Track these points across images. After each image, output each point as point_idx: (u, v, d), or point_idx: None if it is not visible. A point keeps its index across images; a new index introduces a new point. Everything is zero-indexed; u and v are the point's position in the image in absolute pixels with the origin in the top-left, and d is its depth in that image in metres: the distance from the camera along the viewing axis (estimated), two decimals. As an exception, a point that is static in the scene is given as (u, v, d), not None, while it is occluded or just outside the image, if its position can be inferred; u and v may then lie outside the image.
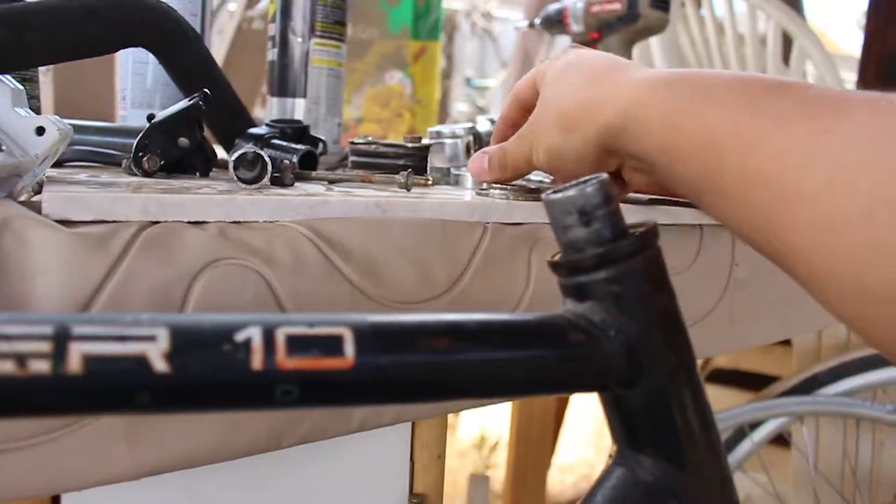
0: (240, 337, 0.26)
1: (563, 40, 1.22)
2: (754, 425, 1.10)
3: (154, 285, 0.37)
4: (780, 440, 1.17)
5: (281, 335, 0.26)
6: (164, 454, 0.39)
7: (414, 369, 0.28)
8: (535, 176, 0.69)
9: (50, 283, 0.36)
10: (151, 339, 0.25)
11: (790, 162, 0.38)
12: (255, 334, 0.26)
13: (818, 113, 0.38)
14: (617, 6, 0.98)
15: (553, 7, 1.10)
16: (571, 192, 0.33)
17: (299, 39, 0.72)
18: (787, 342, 1.23)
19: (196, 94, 0.50)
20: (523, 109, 0.58)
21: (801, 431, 1.13)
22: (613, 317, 0.33)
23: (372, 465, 0.50)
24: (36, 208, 0.39)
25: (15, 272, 0.35)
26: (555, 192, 0.33)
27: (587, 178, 0.33)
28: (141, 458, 0.38)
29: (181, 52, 0.54)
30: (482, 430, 2.42)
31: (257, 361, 0.26)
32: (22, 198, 0.45)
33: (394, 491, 0.51)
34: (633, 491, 0.35)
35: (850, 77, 2.50)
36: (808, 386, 1.09)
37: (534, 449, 1.29)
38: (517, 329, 0.31)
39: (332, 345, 0.27)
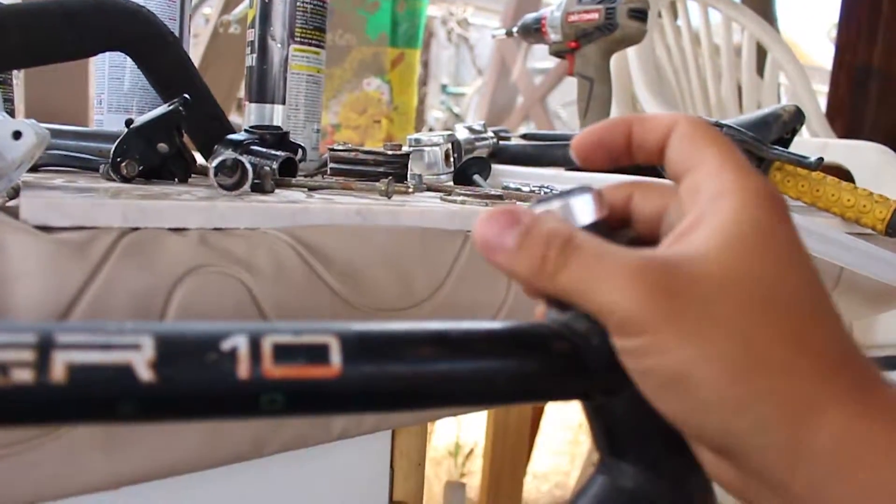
0: (226, 346, 0.26)
1: (541, 49, 1.22)
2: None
3: (134, 292, 0.37)
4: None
5: (267, 344, 0.26)
6: (143, 463, 0.38)
7: (399, 378, 0.28)
8: (512, 183, 0.70)
9: (29, 290, 0.35)
10: (136, 347, 0.25)
11: None
12: (241, 343, 0.26)
13: None
14: (595, 16, 0.98)
15: (531, 16, 1.10)
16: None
17: (278, 45, 0.71)
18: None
19: (176, 100, 0.50)
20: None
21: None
22: (596, 327, 0.33)
23: (352, 472, 0.50)
24: (12, 213, 0.38)
25: (-8, 279, 0.35)
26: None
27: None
28: (120, 467, 0.38)
29: (160, 56, 0.53)
30: (457, 437, 2.42)
31: (243, 370, 0.25)
32: (-4, 202, 0.44)
33: (374, 498, 0.51)
34: (614, 498, 0.35)
35: (821, 89, 2.53)
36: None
37: (510, 457, 1.29)
38: (501, 338, 0.31)
39: (318, 353, 0.27)
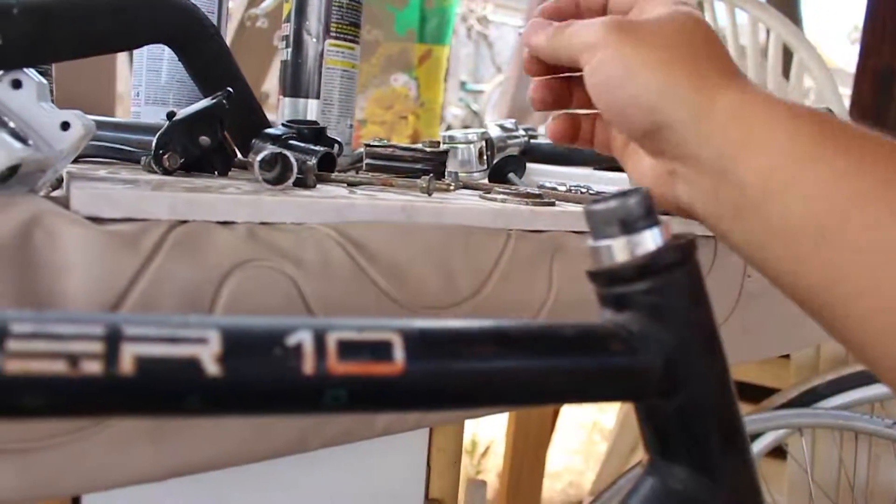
0: (291, 341, 0.25)
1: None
2: (752, 437, 1.11)
3: (184, 286, 0.37)
4: (775, 452, 1.17)
5: (332, 340, 0.26)
6: (189, 456, 0.38)
7: (461, 376, 0.28)
8: (548, 182, 0.69)
9: (80, 281, 0.35)
10: (203, 341, 0.24)
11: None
12: (305, 338, 0.26)
13: None
14: (627, 15, 0.97)
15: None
16: (613, 203, 0.33)
17: (314, 40, 0.71)
18: (785, 354, 1.24)
19: (219, 93, 0.50)
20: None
21: (798, 444, 1.13)
22: (652, 328, 0.33)
23: (389, 469, 0.50)
24: (60, 204, 0.38)
25: (45, 269, 0.35)
26: (596, 202, 0.33)
27: (629, 189, 0.33)
28: (166, 459, 0.38)
29: (202, 49, 0.53)
30: (473, 435, 2.42)
31: (308, 366, 0.25)
32: (41, 193, 0.44)
33: (410, 495, 0.51)
34: (664, 501, 0.35)
35: (843, 91, 2.51)
36: (807, 399, 1.09)
37: (530, 456, 1.29)
38: (559, 337, 0.31)
39: (381, 350, 0.26)
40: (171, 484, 0.39)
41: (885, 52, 2.35)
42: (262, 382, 0.25)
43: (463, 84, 4.57)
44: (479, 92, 4.52)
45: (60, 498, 0.38)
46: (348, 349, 0.26)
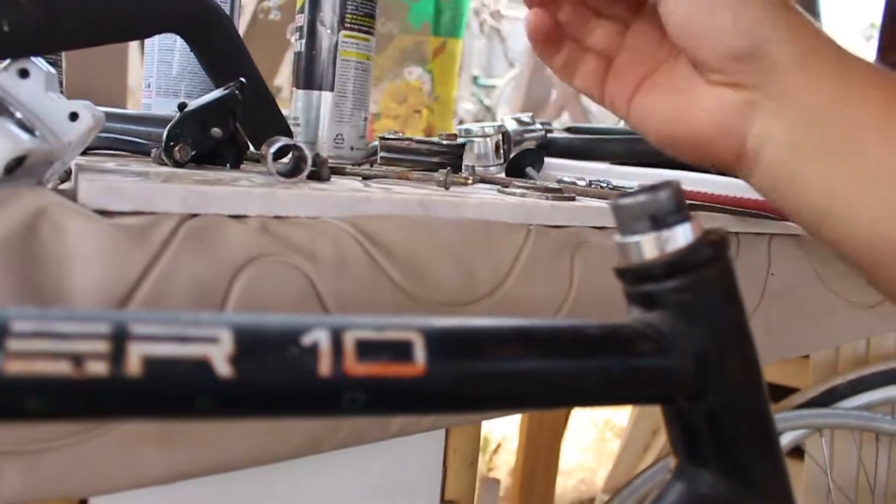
0: (307, 340, 0.24)
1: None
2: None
3: (195, 281, 0.36)
4: (792, 452, 1.15)
5: (349, 339, 0.25)
6: (199, 458, 0.37)
7: (484, 377, 0.27)
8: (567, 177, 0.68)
9: (87, 276, 0.34)
10: (214, 340, 0.23)
11: None
12: (322, 338, 0.24)
13: None
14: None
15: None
16: (643, 197, 0.31)
17: (328, 31, 0.70)
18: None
19: (232, 84, 0.48)
20: None
21: (817, 444, 1.11)
22: (682, 328, 0.31)
23: (404, 470, 0.48)
24: (68, 197, 0.37)
25: (51, 262, 0.34)
26: (623, 196, 0.32)
27: (658, 183, 0.32)
28: (175, 461, 0.37)
29: (214, 39, 0.52)
30: (485, 432, 2.41)
31: (325, 367, 0.24)
32: (48, 186, 0.43)
33: (425, 497, 0.50)
34: (694, 507, 0.34)
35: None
36: (827, 398, 1.07)
37: (543, 453, 1.27)
38: (586, 337, 0.29)
39: (402, 350, 0.25)
40: (180, 483, 0.38)
41: (903, 51, 2.32)
42: (277, 385, 0.24)
43: (475, 79, 4.54)
44: (492, 87, 4.50)
45: (67, 500, 0.37)
46: (367, 349, 0.25)
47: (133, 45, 1.47)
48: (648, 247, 0.32)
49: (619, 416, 2.65)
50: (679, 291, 0.31)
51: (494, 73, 4.73)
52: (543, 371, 0.28)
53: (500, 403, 0.28)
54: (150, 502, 0.40)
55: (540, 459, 1.28)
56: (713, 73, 0.43)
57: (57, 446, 0.34)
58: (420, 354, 0.25)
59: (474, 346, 0.26)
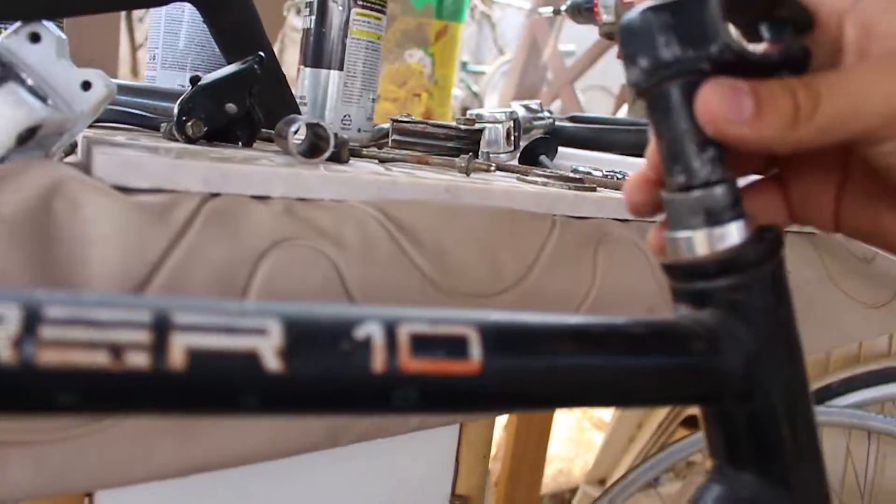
0: (360, 334, 0.22)
1: (573, 30, 1.18)
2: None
3: (217, 264, 0.34)
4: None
5: (404, 333, 0.23)
6: (215, 451, 0.35)
7: (540, 375, 0.25)
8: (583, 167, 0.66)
9: (105, 256, 0.32)
10: (262, 332, 0.21)
11: None
12: (375, 331, 0.23)
13: None
14: (656, -4, 0.94)
15: (583, -7, 1.06)
16: (698, 192, 0.30)
17: (339, 7, 0.68)
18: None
19: (250, 58, 0.46)
20: None
21: (809, 441, 1.11)
22: (733, 327, 0.30)
23: (417, 464, 0.47)
24: (81, 170, 0.35)
25: (66, 241, 0.32)
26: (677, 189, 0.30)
27: (714, 177, 0.30)
28: (188, 454, 0.35)
29: (231, 11, 0.50)
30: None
31: (378, 363, 0.22)
32: (54, 159, 0.41)
33: (436, 491, 0.48)
34: (732, 511, 0.33)
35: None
36: (820, 396, 1.08)
37: (532, 441, 1.27)
38: (639, 334, 0.28)
39: (457, 346, 0.23)
40: (192, 476, 0.36)
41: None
42: (327, 382, 0.22)
43: (464, 64, 4.51)
44: (480, 73, 4.47)
45: (75, 493, 0.35)
46: (422, 344, 0.23)
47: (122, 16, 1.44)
48: (700, 243, 0.30)
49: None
50: (731, 290, 0.30)
51: (483, 59, 4.69)
52: (598, 368, 0.26)
53: (554, 402, 0.26)
54: (160, 494, 0.38)
55: (529, 446, 1.27)
56: None
57: (67, 436, 0.32)
58: (476, 351, 0.24)
59: (529, 343, 0.25)
